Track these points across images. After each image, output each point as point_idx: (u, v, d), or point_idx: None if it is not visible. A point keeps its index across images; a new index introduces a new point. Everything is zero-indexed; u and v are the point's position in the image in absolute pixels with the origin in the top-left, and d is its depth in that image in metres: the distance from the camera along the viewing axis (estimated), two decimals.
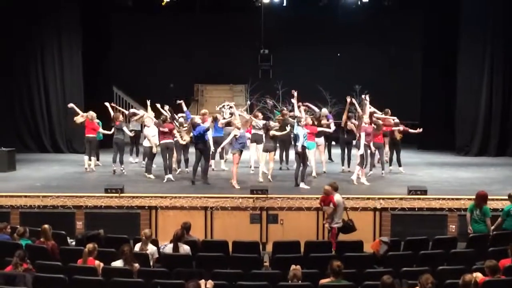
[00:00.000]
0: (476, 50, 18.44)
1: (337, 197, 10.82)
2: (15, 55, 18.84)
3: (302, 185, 13.27)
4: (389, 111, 15.87)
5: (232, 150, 13.75)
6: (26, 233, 9.70)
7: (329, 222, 10.84)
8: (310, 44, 21.30)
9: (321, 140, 15.06)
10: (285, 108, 16.13)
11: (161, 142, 14.27)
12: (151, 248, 9.35)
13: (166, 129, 14.21)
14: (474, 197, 10.67)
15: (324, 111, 16.15)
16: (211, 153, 14.42)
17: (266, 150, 14.06)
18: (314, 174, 14.53)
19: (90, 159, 15.49)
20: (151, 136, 14.41)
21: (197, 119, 13.88)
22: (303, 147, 13.13)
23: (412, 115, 16.62)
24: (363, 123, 13.78)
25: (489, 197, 10.95)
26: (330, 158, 16.72)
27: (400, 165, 15.32)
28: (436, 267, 8.48)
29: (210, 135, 14.33)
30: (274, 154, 14.45)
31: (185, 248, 9.40)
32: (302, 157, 13.16)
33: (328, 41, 21.32)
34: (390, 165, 15.46)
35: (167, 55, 21.57)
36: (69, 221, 12.17)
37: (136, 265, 8.54)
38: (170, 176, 14.07)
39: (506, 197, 10.74)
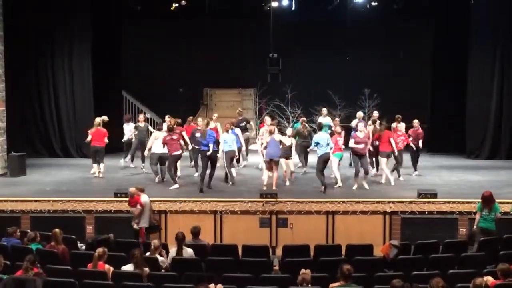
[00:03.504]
0: (487, 53, 18.33)
1: (144, 198, 11.30)
2: (26, 61, 18.88)
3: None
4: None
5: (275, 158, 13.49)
6: (37, 238, 9.75)
7: (136, 223, 11.29)
8: (319, 47, 21.27)
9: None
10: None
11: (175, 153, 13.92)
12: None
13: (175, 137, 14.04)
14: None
15: (359, 114, 16.17)
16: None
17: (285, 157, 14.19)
18: (339, 184, 13.75)
19: (99, 166, 15.27)
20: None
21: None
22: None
23: (422, 118, 16.54)
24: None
25: (499, 200, 10.89)
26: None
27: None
28: (447, 271, 8.44)
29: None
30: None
31: (188, 251, 9.39)
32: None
33: (337, 44, 21.28)
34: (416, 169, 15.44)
35: (177, 60, 21.60)
36: (79, 226, 12.26)
37: (146, 269, 8.55)
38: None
39: None
